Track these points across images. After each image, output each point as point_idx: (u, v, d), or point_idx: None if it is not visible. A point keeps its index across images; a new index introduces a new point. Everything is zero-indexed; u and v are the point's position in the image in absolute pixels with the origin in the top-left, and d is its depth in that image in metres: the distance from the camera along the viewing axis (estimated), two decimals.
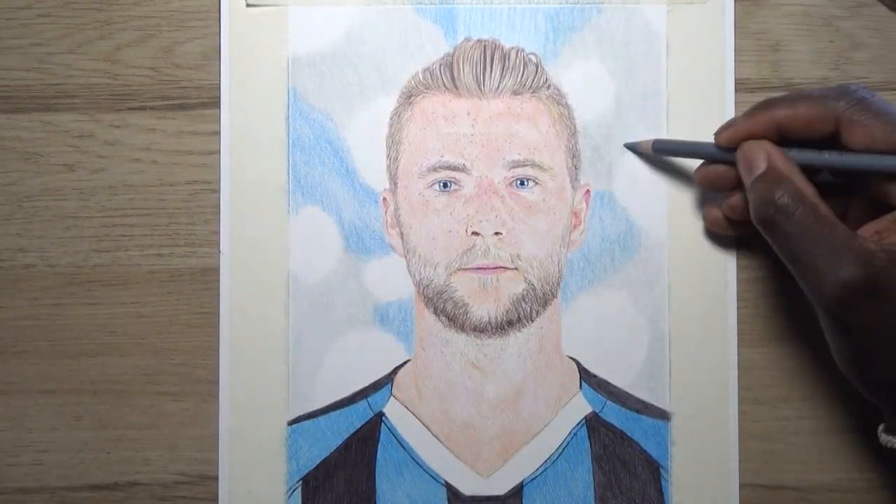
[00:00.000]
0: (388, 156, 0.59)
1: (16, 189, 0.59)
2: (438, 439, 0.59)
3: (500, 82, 0.58)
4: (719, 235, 0.58)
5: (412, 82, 0.59)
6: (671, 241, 0.59)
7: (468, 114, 0.58)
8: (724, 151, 0.54)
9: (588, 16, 0.59)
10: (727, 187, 0.55)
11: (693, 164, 0.58)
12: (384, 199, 0.59)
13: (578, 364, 0.59)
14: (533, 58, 0.59)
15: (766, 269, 0.59)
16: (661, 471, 0.58)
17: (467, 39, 0.59)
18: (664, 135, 0.59)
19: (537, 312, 0.59)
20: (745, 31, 0.59)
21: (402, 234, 0.59)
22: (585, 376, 0.59)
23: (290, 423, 0.59)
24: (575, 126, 0.59)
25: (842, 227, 0.48)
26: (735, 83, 0.59)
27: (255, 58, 0.59)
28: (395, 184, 0.59)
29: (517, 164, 0.58)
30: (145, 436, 0.59)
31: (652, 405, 0.59)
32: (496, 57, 0.59)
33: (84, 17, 0.60)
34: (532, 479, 0.59)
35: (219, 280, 0.59)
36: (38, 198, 0.59)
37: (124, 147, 0.59)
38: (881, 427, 0.53)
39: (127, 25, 0.60)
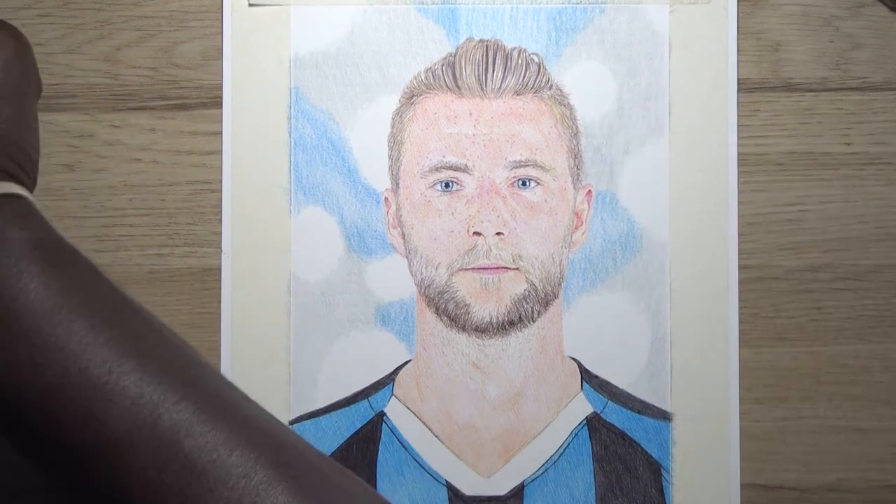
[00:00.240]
0: (389, 156, 0.59)
1: None
2: (439, 439, 0.59)
3: (502, 82, 0.58)
4: (720, 236, 0.58)
5: (414, 82, 0.59)
6: (673, 241, 0.59)
7: (470, 114, 0.58)
8: None
9: (590, 16, 0.59)
10: None
11: None
12: (386, 199, 0.59)
13: (580, 364, 0.59)
14: (535, 58, 0.59)
15: (766, 270, 0.59)
16: (662, 471, 0.58)
17: (469, 39, 0.59)
18: (666, 135, 0.59)
19: (539, 313, 0.59)
20: (747, 31, 0.59)
21: (403, 234, 0.59)
22: (587, 377, 0.59)
23: (292, 422, 0.59)
24: (577, 126, 0.59)
25: None
26: (737, 83, 0.59)
27: (258, 57, 0.59)
28: (397, 184, 0.59)
29: (519, 165, 0.58)
30: None
31: (653, 406, 0.59)
32: (498, 57, 0.59)
33: (84, 17, 0.60)
34: (533, 480, 0.59)
35: (219, 280, 0.59)
36: (39, 198, 0.59)
37: (124, 147, 0.59)
38: None
39: (127, 25, 0.59)
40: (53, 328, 0.37)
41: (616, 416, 0.59)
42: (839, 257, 0.59)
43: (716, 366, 0.59)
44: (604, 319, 0.59)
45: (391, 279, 0.59)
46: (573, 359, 0.59)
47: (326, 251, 0.59)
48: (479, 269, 0.58)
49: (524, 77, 0.58)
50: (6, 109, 0.41)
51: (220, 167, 0.59)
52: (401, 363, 0.59)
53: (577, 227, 0.59)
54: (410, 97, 0.59)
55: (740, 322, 0.59)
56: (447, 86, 0.58)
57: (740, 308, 0.59)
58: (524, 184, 0.58)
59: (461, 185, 0.58)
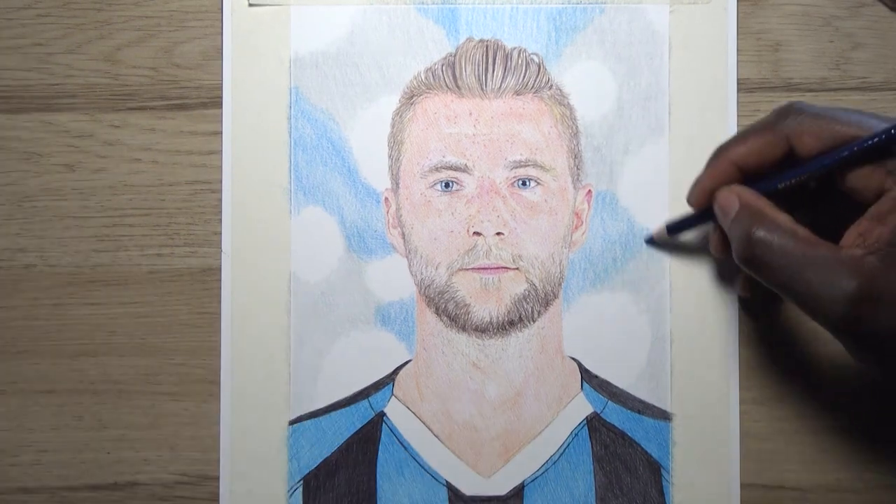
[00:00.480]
0: (389, 156, 0.59)
1: (16, 189, 0.59)
2: (439, 439, 0.59)
3: (502, 82, 0.58)
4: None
5: (414, 82, 0.59)
6: (672, 241, 0.59)
7: (470, 114, 0.58)
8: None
9: (590, 16, 0.59)
10: None
11: None
12: (386, 199, 0.59)
13: (580, 364, 0.59)
14: (535, 58, 0.59)
15: None
16: (662, 471, 0.58)
17: (469, 39, 0.59)
18: (666, 135, 0.59)
19: (539, 313, 0.59)
20: (747, 31, 0.59)
21: (403, 234, 0.59)
22: (587, 377, 0.59)
23: (292, 422, 0.59)
24: (577, 126, 0.59)
25: (824, 243, 0.48)
26: (737, 83, 0.59)
27: (258, 57, 0.59)
28: (397, 184, 0.59)
29: (519, 165, 0.58)
30: (145, 436, 0.59)
31: (653, 406, 0.59)
32: (498, 57, 0.59)
33: (84, 17, 0.60)
34: (533, 480, 0.59)
35: (219, 280, 0.59)
36: (38, 198, 0.59)
37: (124, 147, 0.59)
38: None
39: (127, 25, 0.60)
40: None
41: (616, 416, 0.59)
42: None
43: (716, 366, 0.59)
44: (604, 319, 0.59)
45: (391, 279, 0.59)
46: (573, 359, 0.59)
47: (326, 251, 0.59)
48: (479, 269, 0.58)
49: (524, 77, 0.58)
50: None
51: (220, 167, 0.59)
52: (401, 363, 0.59)
53: (577, 227, 0.59)
54: (410, 97, 0.59)
55: (740, 322, 0.59)
56: (447, 86, 0.58)
57: (740, 308, 0.59)
58: (524, 184, 0.58)
59: (461, 185, 0.58)
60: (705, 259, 0.59)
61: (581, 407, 0.59)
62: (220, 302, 0.59)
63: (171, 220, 0.59)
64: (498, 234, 0.58)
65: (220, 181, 0.59)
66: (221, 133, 0.59)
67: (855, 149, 0.48)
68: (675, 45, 0.59)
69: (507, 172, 0.58)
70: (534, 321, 0.59)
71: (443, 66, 0.59)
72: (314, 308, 0.59)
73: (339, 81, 0.59)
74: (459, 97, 0.58)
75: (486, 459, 0.59)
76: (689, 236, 0.59)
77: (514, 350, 0.59)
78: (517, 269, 0.58)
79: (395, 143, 0.59)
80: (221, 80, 0.59)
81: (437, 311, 0.59)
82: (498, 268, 0.58)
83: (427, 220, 0.58)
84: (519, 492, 0.59)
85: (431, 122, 0.58)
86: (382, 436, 0.59)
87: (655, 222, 0.59)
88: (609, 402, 0.59)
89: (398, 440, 0.59)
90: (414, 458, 0.59)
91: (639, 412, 0.59)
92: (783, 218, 0.49)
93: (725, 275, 0.59)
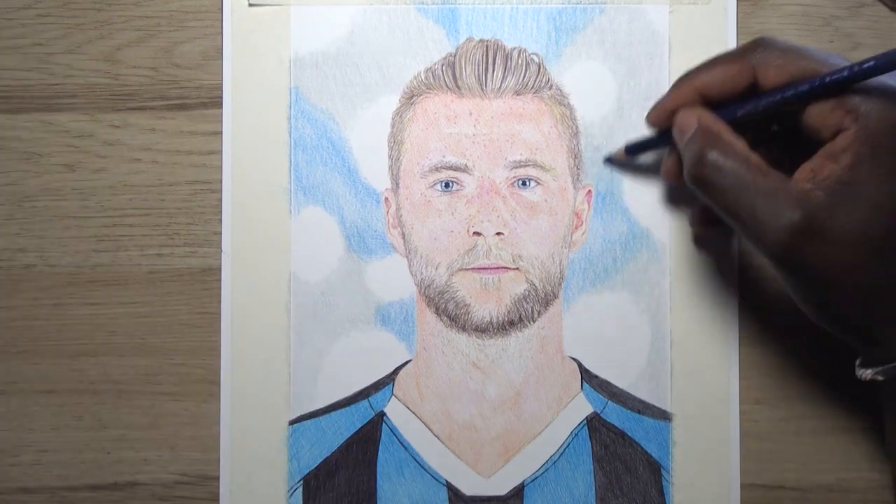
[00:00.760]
0: (389, 156, 0.59)
1: (16, 189, 0.59)
2: (439, 439, 0.59)
3: (502, 82, 0.58)
4: (721, 236, 0.58)
5: (414, 82, 0.59)
6: (673, 241, 0.59)
7: (470, 114, 0.58)
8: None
9: (590, 16, 0.59)
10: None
11: None
12: (386, 199, 0.59)
13: (580, 364, 0.59)
14: (535, 58, 0.59)
15: (767, 270, 0.59)
16: (662, 471, 0.58)
17: (469, 39, 0.59)
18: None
19: (539, 313, 0.59)
20: (747, 31, 0.59)
21: (403, 234, 0.59)
22: (587, 377, 0.59)
23: (292, 422, 0.59)
24: (577, 126, 0.59)
25: (775, 173, 0.48)
26: None
27: (258, 57, 0.59)
28: (397, 184, 0.59)
29: (519, 165, 0.58)
30: (145, 436, 0.59)
31: (653, 406, 0.59)
32: (498, 57, 0.59)
33: (84, 17, 0.60)
34: (533, 480, 0.59)
35: (219, 280, 0.59)
36: (38, 198, 0.59)
37: (124, 147, 0.59)
38: (857, 362, 0.52)
39: (127, 25, 0.60)
40: None
41: (616, 416, 0.59)
42: None
43: (716, 366, 0.59)
44: (604, 319, 0.59)
45: (391, 279, 0.59)
46: (573, 359, 0.59)
47: (326, 251, 0.59)
48: (479, 269, 0.58)
49: (524, 77, 0.58)
50: None
51: (220, 167, 0.59)
52: (401, 363, 0.59)
53: (577, 227, 0.59)
54: (410, 97, 0.59)
55: (740, 322, 0.59)
56: (447, 86, 0.58)
57: (740, 308, 0.59)
58: (524, 184, 0.58)
59: (461, 185, 0.58)
60: (706, 259, 0.59)
61: (581, 407, 0.59)
62: (220, 302, 0.59)
63: (171, 220, 0.59)
64: (498, 234, 0.58)
65: (220, 181, 0.59)
66: (221, 133, 0.59)
67: (816, 83, 0.48)
68: (675, 45, 0.59)
69: (507, 172, 0.58)
70: (534, 321, 0.59)
71: (443, 66, 0.59)
72: (314, 308, 0.59)
73: (340, 81, 0.59)
74: (459, 97, 0.58)
75: (486, 459, 0.59)
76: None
77: (514, 350, 0.59)
78: (517, 269, 0.58)
79: (395, 143, 0.59)
80: (221, 80, 0.59)
81: (437, 311, 0.59)
82: (498, 268, 0.58)
83: (427, 220, 0.58)
84: (519, 492, 0.59)
85: (431, 122, 0.58)
86: (382, 436, 0.59)
87: (655, 222, 0.59)
88: (609, 402, 0.59)
89: (398, 440, 0.59)
90: (414, 458, 0.59)
91: (639, 412, 0.59)
92: (738, 143, 0.50)
93: (725, 274, 0.59)
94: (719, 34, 0.59)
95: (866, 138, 0.47)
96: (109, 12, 0.60)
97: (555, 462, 0.59)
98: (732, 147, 0.49)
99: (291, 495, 0.58)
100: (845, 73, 0.47)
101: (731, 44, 0.59)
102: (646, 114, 0.56)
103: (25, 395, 0.59)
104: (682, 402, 0.59)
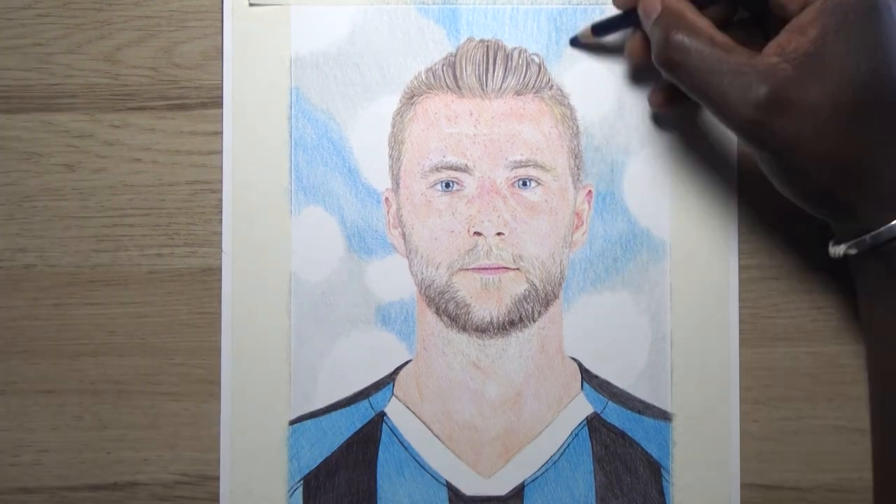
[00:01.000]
0: (390, 156, 0.59)
1: (16, 189, 0.59)
2: (440, 439, 0.59)
3: (502, 83, 0.58)
4: (721, 236, 0.58)
5: (415, 82, 0.59)
6: (673, 241, 0.59)
7: (471, 114, 0.58)
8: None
9: (591, 16, 0.59)
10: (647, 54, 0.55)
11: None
12: (386, 198, 0.59)
13: (580, 364, 0.59)
14: (535, 58, 0.59)
15: (767, 270, 0.59)
16: (663, 471, 0.59)
17: (470, 40, 0.59)
18: (668, 137, 0.59)
19: (539, 313, 0.59)
20: None
21: (404, 234, 0.59)
22: (587, 377, 0.59)
23: (292, 422, 0.59)
24: (577, 126, 0.59)
25: (741, 49, 0.49)
26: None
27: (258, 57, 0.59)
28: (398, 184, 0.59)
29: (519, 165, 0.58)
30: (145, 436, 0.59)
31: (653, 406, 0.59)
32: (499, 57, 0.59)
33: (84, 17, 0.60)
34: (533, 480, 0.59)
35: (219, 280, 0.59)
36: (38, 198, 0.59)
37: (124, 147, 0.59)
38: (831, 241, 0.53)
39: (127, 25, 0.60)
40: None
41: (616, 416, 0.59)
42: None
43: (716, 366, 0.59)
44: (604, 319, 0.59)
45: (392, 279, 0.59)
46: (573, 359, 0.59)
47: (327, 251, 0.59)
48: (479, 269, 0.58)
49: (525, 77, 0.58)
50: None
51: (220, 167, 0.59)
52: (401, 363, 0.59)
53: (577, 227, 0.59)
54: (411, 97, 0.59)
55: (740, 322, 0.59)
56: (448, 86, 0.58)
57: (740, 308, 0.59)
58: (525, 184, 0.58)
59: (462, 185, 0.58)
60: (706, 259, 0.59)
61: (581, 407, 0.59)
62: (220, 302, 0.59)
63: (171, 220, 0.59)
64: (498, 234, 0.58)
65: (221, 181, 0.59)
66: (222, 133, 0.59)
67: None
68: None
69: (508, 172, 0.58)
70: (534, 321, 0.59)
71: (443, 66, 0.59)
72: (314, 308, 0.59)
73: (340, 81, 0.59)
74: (460, 97, 0.58)
75: (487, 459, 0.59)
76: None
77: (514, 350, 0.59)
78: (517, 269, 0.58)
79: (396, 143, 0.59)
80: (222, 80, 0.59)
81: (438, 311, 0.59)
82: (498, 268, 0.58)
83: (427, 220, 0.58)
84: (519, 492, 0.59)
85: (432, 122, 0.58)
86: (383, 436, 0.59)
87: (656, 222, 0.59)
88: (609, 402, 0.59)
89: (398, 440, 0.59)
90: (414, 458, 0.59)
91: (639, 412, 0.59)
92: (703, 22, 0.50)
93: (725, 275, 0.59)
94: None
95: (833, 10, 0.48)
96: (109, 12, 0.60)
97: (555, 462, 0.59)
98: (696, 27, 0.50)
99: (291, 495, 0.58)
100: None
101: None
102: None
103: (25, 395, 0.59)
104: (682, 402, 0.59)
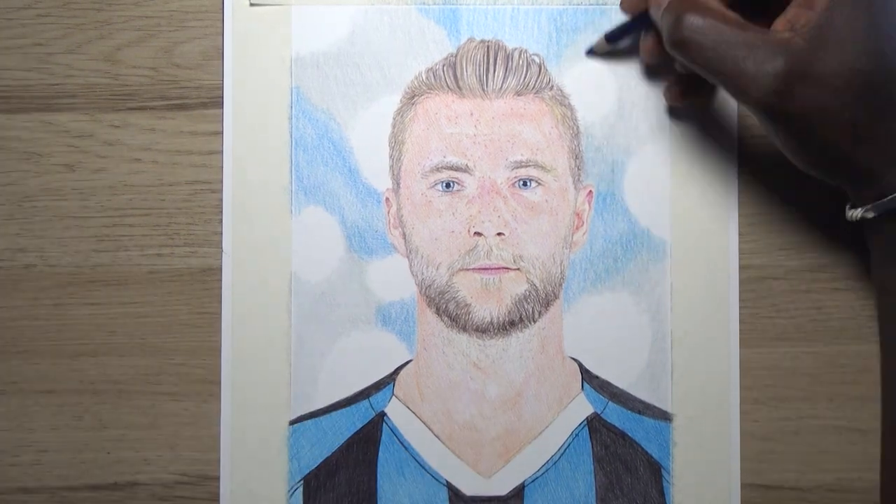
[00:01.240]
0: (390, 156, 0.59)
1: (16, 189, 0.59)
2: (440, 439, 0.59)
3: (503, 83, 0.58)
4: (721, 236, 0.58)
5: (415, 82, 0.59)
6: (673, 241, 0.59)
7: (471, 114, 0.58)
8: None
9: (591, 17, 0.59)
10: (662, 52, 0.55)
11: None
12: (387, 199, 0.59)
13: (580, 365, 0.59)
14: (536, 59, 0.59)
15: (767, 270, 0.59)
16: (663, 471, 0.59)
17: (471, 40, 0.59)
18: (667, 135, 0.59)
19: (539, 313, 0.59)
20: None
21: (404, 235, 0.59)
22: (587, 377, 0.59)
23: (292, 422, 0.59)
24: (578, 127, 0.59)
25: (753, 26, 0.49)
26: None
27: (258, 57, 0.59)
28: (398, 184, 0.59)
29: (520, 165, 0.58)
30: (145, 436, 0.59)
31: (653, 406, 0.59)
32: (499, 58, 0.59)
33: (84, 17, 0.60)
34: (533, 480, 0.59)
35: (219, 280, 0.59)
36: (38, 198, 0.59)
37: (124, 147, 0.59)
38: (848, 206, 0.53)
39: (127, 25, 0.59)
40: None
41: (616, 416, 0.59)
42: (839, 257, 0.59)
43: (716, 366, 0.59)
44: (604, 319, 0.59)
45: (392, 279, 0.59)
46: (574, 359, 0.59)
47: (327, 251, 0.59)
48: (479, 269, 0.58)
49: (525, 77, 0.58)
50: None
51: (221, 167, 0.59)
52: (401, 363, 0.59)
53: (577, 228, 0.59)
54: (411, 97, 0.59)
55: (740, 322, 0.59)
56: (448, 86, 0.58)
57: (740, 308, 0.59)
58: (525, 184, 0.58)
59: (462, 186, 0.58)
60: (705, 259, 0.59)
61: (581, 407, 0.59)
62: (220, 302, 0.59)
63: (171, 220, 0.59)
64: (499, 234, 0.58)
65: (221, 181, 0.59)
66: (222, 133, 0.59)
67: None
68: None
69: (508, 173, 0.58)
70: (534, 321, 0.59)
71: (444, 66, 0.59)
72: (315, 308, 0.59)
73: (340, 81, 0.59)
74: (460, 97, 0.58)
75: (487, 459, 0.59)
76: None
77: (514, 350, 0.59)
78: (518, 269, 0.58)
79: (396, 143, 0.59)
80: (222, 80, 0.59)
81: (438, 312, 0.59)
82: (499, 268, 0.58)
83: (428, 221, 0.58)
84: (519, 492, 0.59)
85: (432, 122, 0.58)
86: (383, 436, 0.59)
87: (656, 222, 0.59)
88: (609, 402, 0.59)
89: (398, 440, 0.59)
90: (414, 458, 0.59)
91: (639, 412, 0.59)
92: (713, 2, 0.51)
93: (725, 275, 0.59)
94: None
95: None
96: (109, 12, 0.59)
97: (555, 462, 0.59)
98: (707, 6, 0.50)
99: (292, 495, 0.58)
100: None
101: None
102: (619, 3, 0.57)
103: (25, 395, 0.59)
104: (682, 402, 0.59)
